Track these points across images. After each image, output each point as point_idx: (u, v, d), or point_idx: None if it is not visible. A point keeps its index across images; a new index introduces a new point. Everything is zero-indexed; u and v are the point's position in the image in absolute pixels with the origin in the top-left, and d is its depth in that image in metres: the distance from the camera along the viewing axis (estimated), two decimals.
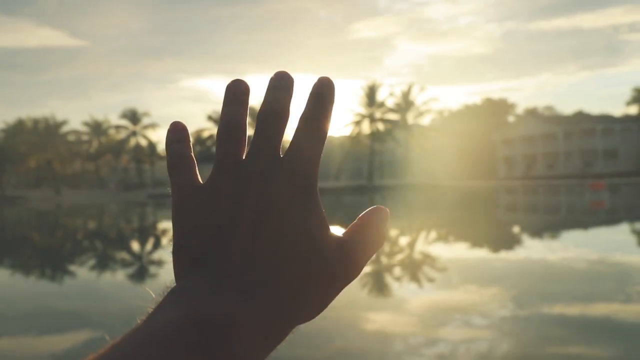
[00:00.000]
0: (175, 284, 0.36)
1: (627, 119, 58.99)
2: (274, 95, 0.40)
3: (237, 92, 0.41)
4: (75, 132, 65.27)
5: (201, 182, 0.40)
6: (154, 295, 0.36)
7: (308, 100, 0.40)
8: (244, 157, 0.39)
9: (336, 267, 0.37)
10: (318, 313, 0.37)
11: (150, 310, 0.34)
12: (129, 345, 0.31)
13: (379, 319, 4.94)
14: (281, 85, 0.40)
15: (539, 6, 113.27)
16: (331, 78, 0.40)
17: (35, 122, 63.23)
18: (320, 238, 0.37)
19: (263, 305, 0.34)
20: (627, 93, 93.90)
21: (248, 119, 0.41)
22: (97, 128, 65.22)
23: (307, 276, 0.36)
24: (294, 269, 0.35)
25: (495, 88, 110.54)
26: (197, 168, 0.41)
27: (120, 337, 0.32)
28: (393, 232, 12.10)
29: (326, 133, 0.39)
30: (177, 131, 0.42)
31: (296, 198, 0.37)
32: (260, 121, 0.39)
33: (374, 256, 0.39)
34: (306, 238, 0.36)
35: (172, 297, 0.34)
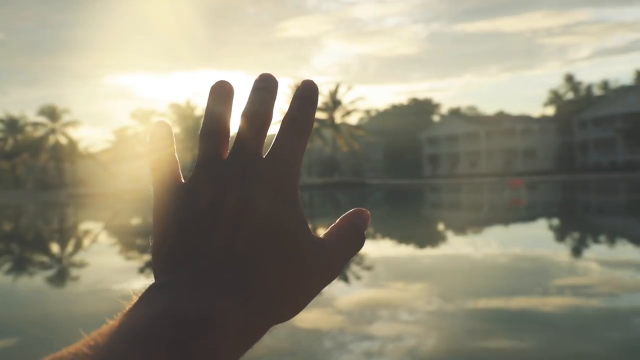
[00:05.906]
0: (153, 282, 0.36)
1: (544, 119, 61.72)
2: (258, 96, 0.40)
3: (221, 93, 0.41)
4: None
5: (183, 180, 0.40)
6: (132, 293, 0.35)
7: (292, 103, 0.40)
8: (226, 157, 0.39)
9: (315, 268, 0.37)
10: (296, 313, 0.37)
11: (128, 307, 0.34)
12: (105, 341, 0.30)
13: (309, 317, 4.91)
14: (265, 87, 0.40)
15: (463, 8, 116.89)
16: (315, 81, 0.40)
17: None
18: (300, 238, 0.37)
19: (241, 303, 0.34)
20: (544, 94, 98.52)
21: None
22: (12, 125, 62.16)
23: (286, 276, 0.36)
24: (273, 268, 0.35)
25: (421, 88, 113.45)
26: (179, 167, 0.41)
27: (96, 333, 0.31)
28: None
29: (308, 135, 0.40)
30: (160, 130, 0.42)
31: (277, 198, 0.37)
32: (243, 122, 0.40)
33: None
34: (286, 238, 0.36)
35: (150, 294, 0.34)
